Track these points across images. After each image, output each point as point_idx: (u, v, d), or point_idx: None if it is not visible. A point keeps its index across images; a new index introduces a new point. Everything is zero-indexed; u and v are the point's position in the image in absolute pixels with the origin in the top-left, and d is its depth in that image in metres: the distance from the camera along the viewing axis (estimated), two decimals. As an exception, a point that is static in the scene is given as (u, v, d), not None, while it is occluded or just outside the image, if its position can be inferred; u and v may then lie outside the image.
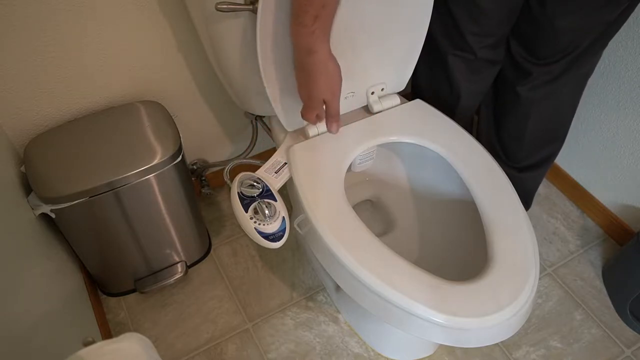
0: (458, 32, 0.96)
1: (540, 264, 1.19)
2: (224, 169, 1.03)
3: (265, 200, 0.83)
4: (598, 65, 1.13)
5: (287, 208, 0.85)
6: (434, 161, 0.92)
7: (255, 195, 0.83)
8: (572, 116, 1.09)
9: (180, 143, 0.95)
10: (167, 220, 1.05)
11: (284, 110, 0.89)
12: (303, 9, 0.67)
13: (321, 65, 0.73)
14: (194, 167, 1.25)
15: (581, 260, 1.26)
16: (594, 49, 0.93)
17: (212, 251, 1.27)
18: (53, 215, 0.90)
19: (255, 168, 0.90)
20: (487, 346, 1.11)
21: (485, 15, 0.92)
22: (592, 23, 0.88)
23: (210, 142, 1.24)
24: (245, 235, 0.98)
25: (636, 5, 0.86)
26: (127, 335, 0.54)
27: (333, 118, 0.83)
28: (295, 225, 0.87)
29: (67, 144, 0.93)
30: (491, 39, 0.97)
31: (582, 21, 0.88)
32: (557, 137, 1.12)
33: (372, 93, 0.97)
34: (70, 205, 0.88)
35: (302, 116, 0.81)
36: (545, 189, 1.40)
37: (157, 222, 1.04)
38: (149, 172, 0.92)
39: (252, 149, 1.20)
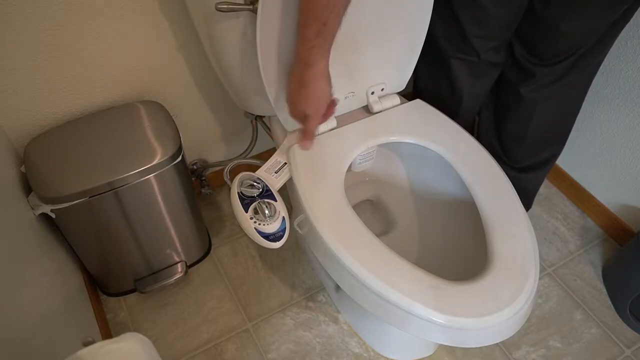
0: (462, 35, 0.95)
1: (540, 264, 1.19)
2: (224, 169, 1.03)
3: (265, 200, 0.83)
4: (598, 64, 1.13)
5: (287, 208, 0.85)
6: (434, 161, 0.92)
7: (255, 195, 0.84)
8: (575, 118, 1.09)
9: (180, 143, 0.95)
10: (167, 220, 1.05)
11: (284, 110, 0.89)
12: (307, 23, 0.67)
13: (314, 80, 0.74)
14: (194, 167, 1.25)
15: (581, 260, 1.26)
16: (597, 50, 0.93)
17: (212, 251, 1.27)
18: (53, 215, 0.90)
19: (255, 168, 0.90)
20: (487, 346, 1.11)
21: (491, 18, 0.91)
22: (596, 25, 0.88)
23: (210, 142, 1.24)
24: (245, 235, 0.98)
25: (639, 5, 0.86)
26: (127, 335, 0.54)
27: (307, 135, 0.82)
28: (295, 225, 0.87)
29: (67, 144, 0.93)
30: (495, 41, 0.97)
31: (587, 23, 0.87)
32: (558, 138, 1.12)
33: (372, 93, 0.97)
34: (70, 205, 0.88)
35: (290, 114, 0.82)
36: (545, 189, 1.40)
37: (157, 222, 1.04)
38: (149, 172, 0.92)
39: (252, 149, 1.20)
